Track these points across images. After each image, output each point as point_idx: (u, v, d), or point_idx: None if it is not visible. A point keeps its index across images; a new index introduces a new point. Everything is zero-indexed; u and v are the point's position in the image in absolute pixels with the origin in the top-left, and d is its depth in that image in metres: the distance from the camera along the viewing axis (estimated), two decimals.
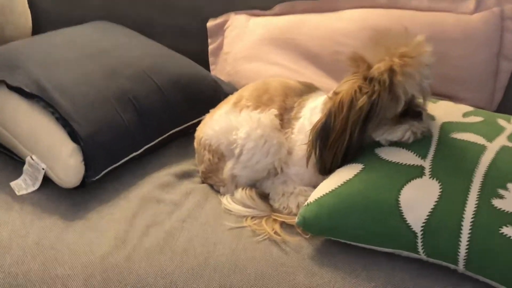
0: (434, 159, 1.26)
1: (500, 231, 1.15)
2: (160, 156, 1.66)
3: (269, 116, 1.44)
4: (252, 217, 1.39)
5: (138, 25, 2.04)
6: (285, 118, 1.47)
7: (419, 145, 1.30)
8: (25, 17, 2.11)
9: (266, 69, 1.88)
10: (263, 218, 1.38)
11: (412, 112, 1.30)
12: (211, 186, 1.55)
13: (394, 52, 1.25)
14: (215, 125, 1.50)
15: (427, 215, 1.18)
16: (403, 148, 1.30)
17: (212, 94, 1.78)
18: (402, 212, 1.20)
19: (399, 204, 1.20)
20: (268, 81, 1.57)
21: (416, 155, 1.28)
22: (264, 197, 1.46)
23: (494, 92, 1.81)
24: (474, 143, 1.30)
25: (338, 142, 1.29)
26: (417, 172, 1.24)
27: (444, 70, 1.68)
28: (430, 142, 1.31)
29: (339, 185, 1.27)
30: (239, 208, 1.41)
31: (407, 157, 1.28)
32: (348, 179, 1.27)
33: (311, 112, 1.42)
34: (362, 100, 1.25)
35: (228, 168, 1.47)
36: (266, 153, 1.42)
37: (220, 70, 2.03)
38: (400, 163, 1.27)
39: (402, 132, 1.30)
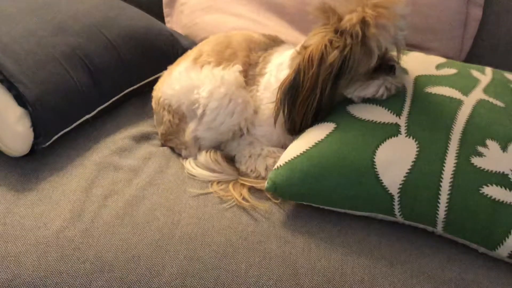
0: (410, 116, 1.22)
1: (481, 191, 1.12)
2: (115, 117, 1.57)
3: (233, 72, 1.37)
4: (218, 182, 1.33)
5: None
6: (249, 74, 1.40)
7: (393, 101, 1.25)
8: None
9: (227, 21, 1.79)
10: (230, 183, 1.33)
11: (385, 66, 1.25)
12: (172, 149, 1.47)
13: (366, 2, 1.19)
14: (174, 84, 1.41)
15: (404, 176, 1.15)
16: (376, 105, 1.25)
17: (169, 49, 1.70)
18: (378, 174, 1.16)
19: (375, 165, 1.16)
20: (230, 34, 1.50)
21: (391, 112, 1.23)
22: (230, 160, 1.40)
23: (463, 41, 1.77)
24: (450, 98, 1.26)
25: (308, 100, 1.23)
26: (393, 130, 1.20)
27: (413, 19, 1.61)
28: (404, 98, 1.26)
29: (311, 146, 1.21)
30: (203, 173, 1.35)
31: (381, 115, 1.23)
32: (319, 139, 1.21)
33: (278, 68, 1.35)
34: (333, 55, 1.19)
35: (190, 129, 1.39)
36: (231, 113, 1.35)
37: (176, 22, 1.92)
38: (374, 121, 1.22)
39: (376, 88, 1.25)
